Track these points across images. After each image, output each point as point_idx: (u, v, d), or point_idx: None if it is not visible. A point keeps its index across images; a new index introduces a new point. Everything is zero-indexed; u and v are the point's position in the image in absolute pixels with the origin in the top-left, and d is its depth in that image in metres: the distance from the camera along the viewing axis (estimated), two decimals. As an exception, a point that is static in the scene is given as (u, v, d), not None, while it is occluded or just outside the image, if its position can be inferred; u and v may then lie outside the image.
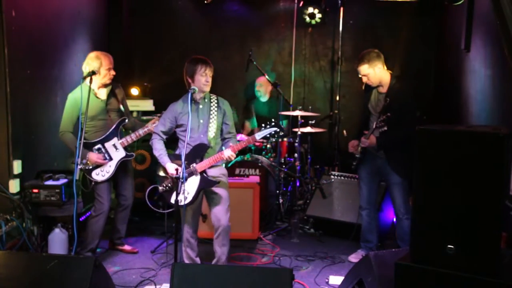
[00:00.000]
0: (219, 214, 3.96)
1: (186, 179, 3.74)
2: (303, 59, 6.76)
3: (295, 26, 6.60)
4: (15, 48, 3.99)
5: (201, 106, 3.96)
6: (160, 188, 3.94)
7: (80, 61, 5.28)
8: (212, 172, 3.95)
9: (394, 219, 5.05)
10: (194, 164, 3.88)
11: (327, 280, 4.08)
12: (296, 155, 5.77)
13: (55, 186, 4.14)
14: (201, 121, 3.94)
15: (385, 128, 4.07)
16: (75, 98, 4.16)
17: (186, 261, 4.03)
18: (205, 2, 6.35)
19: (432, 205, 2.50)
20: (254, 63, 5.78)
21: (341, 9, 6.31)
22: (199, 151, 3.90)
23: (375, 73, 4.20)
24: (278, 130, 3.87)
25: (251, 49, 5.89)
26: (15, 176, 4.04)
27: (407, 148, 4.03)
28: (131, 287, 3.93)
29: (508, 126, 3.39)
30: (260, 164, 5.49)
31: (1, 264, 2.97)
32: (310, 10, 6.53)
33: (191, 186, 3.87)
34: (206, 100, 3.99)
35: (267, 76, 5.89)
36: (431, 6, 6.31)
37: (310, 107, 5.85)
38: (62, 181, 4.24)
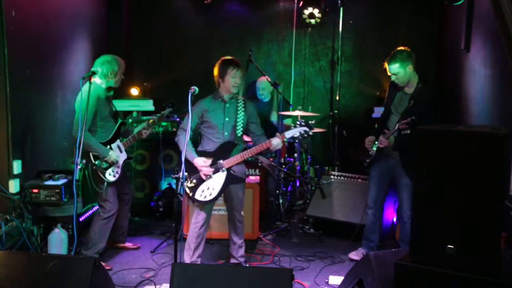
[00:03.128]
0: (237, 207, 4.10)
1: (186, 179, 3.76)
2: (303, 59, 6.76)
3: (295, 26, 6.60)
4: (15, 48, 3.99)
5: (227, 105, 4.04)
6: (185, 183, 3.92)
7: (80, 61, 5.32)
8: (236, 169, 4.00)
9: (394, 219, 5.05)
10: (221, 161, 3.91)
11: (327, 280, 4.08)
12: (296, 155, 5.77)
13: (55, 186, 4.14)
14: (227, 119, 4.01)
15: (408, 131, 4.01)
16: (91, 94, 4.04)
17: (187, 260, 4.03)
18: (205, 2, 6.35)
19: (432, 205, 2.51)
20: (254, 63, 5.78)
21: (341, 9, 6.31)
22: (226, 149, 3.97)
23: (406, 73, 4.14)
24: (308, 130, 3.86)
25: (251, 49, 5.89)
26: (15, 176, 4.04)
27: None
28: (131, 287, 3.93)
29: (508, 126, 3.40)
30: (260, 164, 5.49)
31: (1, 264, 2.97)
32: (310, 10, 6.53)
33: (216, 182, 3.92)
34: (233, 100, 4.06)
35: (267, 77, 5.89)
36: (431, 6, 6.31)
37: (310, 107, 5.85)
38: (62, 181, 4.24)
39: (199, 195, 3.84)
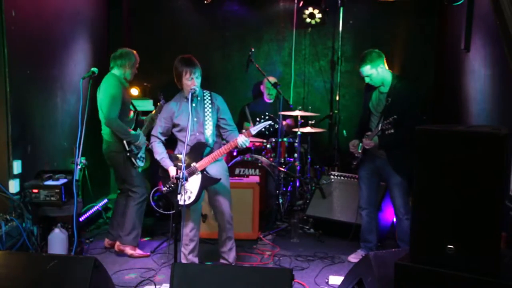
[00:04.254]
0: (222, 207, 4.02)
1: (186, 179, 3.74)
2: (303, 59, 6.76)
3: (295, 26, 6.60)
4: (15, 48, 3.99)
5: (194, 105, 3.96)
6: (164, 189, 3.94)
7: (80, 61, 5.32)
8: (213, 169, 3.95)
9: (394, 219, 5.05)
10: (194, 163, 3.88)
11: (327, 280, 4.08)
12: (296, 155, 5.77)
13: (55, 186, 4.14)
14: (195, 119, 3.94)
15: (392, 131, 4.02)
16: (115, 84, 4.39)
17: (184, 261, 4.03)
18: (205, 2, 6.35)
19: (432, 205, 2.50)
20: (254, 63, 5.78)
21: (341, 9, 6.31)
22: (198, 150, 3.91)
23: (378, 73, 4.16)
24: (273, 123, 3.88)
25: (251, 49, 5.89)
26: (15, 176, 4.04)
27: (408, 148, 4.02)
28: (131, 287, 3.93)
29: (508, 126, 3.39)
30: (260, 164, 5.49)
31: (1, 264, 2.97)
32: (310, 10, 6.53)
33: (193, 185, 3.87)
34: (199, 98, 3.99)
35: (267, 77, 5.90)
36: (431, 6, 6.31)
37: (310, 107, 5.84)
38: (62, 181, 4.24)
39: (178, 199, 3.78)
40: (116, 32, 6.35)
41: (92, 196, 5.30)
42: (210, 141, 3.97)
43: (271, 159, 5.72)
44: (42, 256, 3.34)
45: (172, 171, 3.86)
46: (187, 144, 3.80)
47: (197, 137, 3.93)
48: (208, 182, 3.91)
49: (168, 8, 6.73)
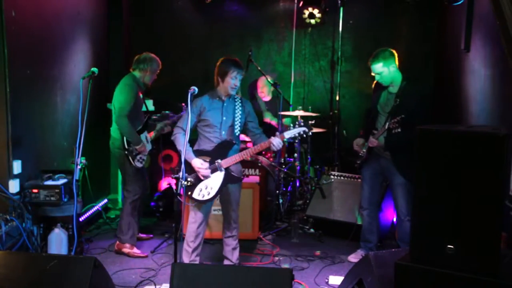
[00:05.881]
0: (232, 207, 4.06)
1: (186, 179, 3.75)
2: (303, 59, 6.76)
3: (294, 26, 6.60)
4: (15, 48, 3.98)
5: (225, 104, 4.01)
6: (184, 182, 3.92)
7: (80, 61, 5.31)
8: (234, 168, 3.99)
9: (394, 219, 5.05)
10: (219, 160, 3.90)
11: (327, 280, 4.08)
12: (296, 155, 5.77)
13: (55, 186, 4.14)
14: (224, 118, 3.98)
15: (399, 130, 3.99)
16: (132, 84, 4.51)
17: (186, 260, 4.02)
18: (206, 2, 6.35)
19: (432, 205, 2.50)
20: (254, 63, 5.78)
21: (341, 9, 6.31)
22: (224, 148, 3.95)
23: (389, 72, 4.14)
24: (307, 130, 3.86)
25: (250, 49, 5.89)
26: (15, 176, 4.04)
27: (413, 150, 3.99)
28: (131, 287, 3.93)
29: (508, 126, 3.40)
30: (260, 164, 5.49)
31: (1, 264, 2.97)
32: (310, 10, 6.53)
33: (214, 181, 3.90)
34: (230, 99, 4.04)
35: (268, 78, 5.90)
36: (431, 6, 6.31)
37: (310, 107, 5.85)
38: (62, 181, 4.24)
39: (197, 194, 3.84)
40: (116, 32, 6.35)
41: (92, 196, 5.29)
42: (237, 141, 4.03)
43: (271, 159, 5.72)
44: (42, 256, 3.34)
45: (197, 163, 3.86)
46: (211, 140, 3.93)
47: (223, 136, 3.97)
48: (230, 180, 3.95)
49: (168, 8, 6.74)
